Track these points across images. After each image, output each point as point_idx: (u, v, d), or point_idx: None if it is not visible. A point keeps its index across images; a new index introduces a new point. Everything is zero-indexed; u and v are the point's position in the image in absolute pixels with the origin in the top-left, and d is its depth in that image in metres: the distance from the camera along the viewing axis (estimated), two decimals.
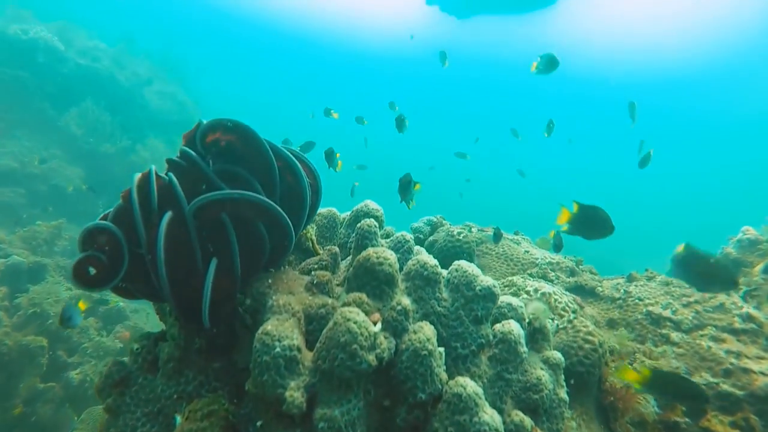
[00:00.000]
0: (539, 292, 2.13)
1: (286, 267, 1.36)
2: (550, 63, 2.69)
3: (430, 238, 2.66)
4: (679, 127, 23.51)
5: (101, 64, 9.60)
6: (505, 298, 1.32)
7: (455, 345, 1.13)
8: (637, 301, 2.25)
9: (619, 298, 2.32)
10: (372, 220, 1.32)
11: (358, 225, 1.33)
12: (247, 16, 23.96)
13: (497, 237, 2.57)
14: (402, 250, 1.33)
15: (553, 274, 2.54)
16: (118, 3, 17.64)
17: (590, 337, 1.66)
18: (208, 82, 15.08)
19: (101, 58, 9.70)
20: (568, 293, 2.25)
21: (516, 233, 2.98)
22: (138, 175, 1.09)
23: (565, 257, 2.81)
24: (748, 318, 2.08)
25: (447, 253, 2.51)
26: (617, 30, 19.34)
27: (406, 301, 1.09)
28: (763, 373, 1.82)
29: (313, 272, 1.17)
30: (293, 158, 1.15)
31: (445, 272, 1.27)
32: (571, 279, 2.52)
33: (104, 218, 1.16)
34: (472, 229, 2.85)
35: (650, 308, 2.18)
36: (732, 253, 3.16)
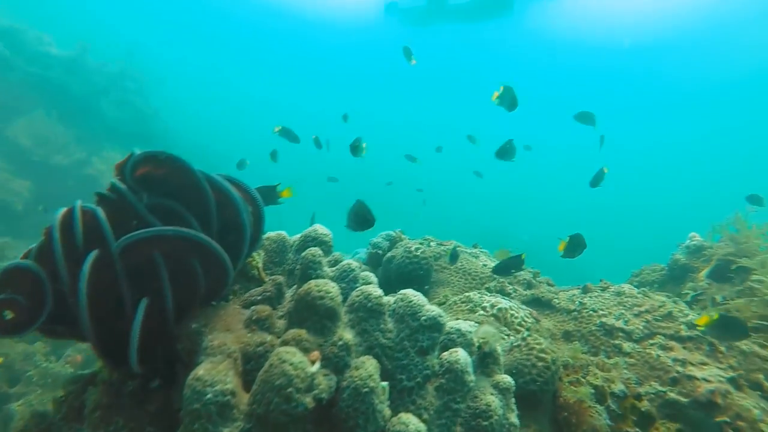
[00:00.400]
0: (496, 307, 2.14)
1: (229, 300, 1.32)
2: (511, 102, 2.74)
3: (389, 254, 2.65)
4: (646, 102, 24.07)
5: (53, 72, 9.21)
6: (454, 324, 1.31)
7: (401, 377, 1.11)
8: (591, 312, 2.29)
9: (575, 310, 2.36)
10: (316, 249, 1.29)
11: (303, 254, 1.30)
12: (212, 24, 23.57)
13: (454, 258, 2.57)
14: (347, 279, 1.30)
15: (510, 287, 2.57)
16: (72, 6, 17.02)
17: (543, 355, 1.67)
18: (171, 91, 14.69)
19: (53, 65, 9.31)
20: (524, 307, 2.28)
21: (475, 246, 3.00)
22: (62, 210, 1.03)
23: (524, 270, 2.85)
24: (693, 325, 2.15)
25: (405, 269, 2.50)
26: (574, 34, 20.17)
27: (349, 336, 1.07)
28: (705, 380, 1.88)
29: (252, 307, 1.13)
30: (231, 189, 1.11)
31: (392, 299, 1.26)
32: (528, 292, 2.55)
33: (26, 255, 1.09)
34: (431, 244, 2.86)
35: (603, 319, 2.23)
36: (681, 260, 3.28)
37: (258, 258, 1.57)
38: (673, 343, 2.10)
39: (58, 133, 8.57)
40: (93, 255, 0.95)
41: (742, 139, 22.63)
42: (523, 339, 1.74)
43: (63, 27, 12.89)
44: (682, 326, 2.15)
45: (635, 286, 3.63)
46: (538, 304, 2.50)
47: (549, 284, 2.77)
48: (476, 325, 1.95)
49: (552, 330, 2.30)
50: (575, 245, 2.34)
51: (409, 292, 1.21)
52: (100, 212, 1.00)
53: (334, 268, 1.35)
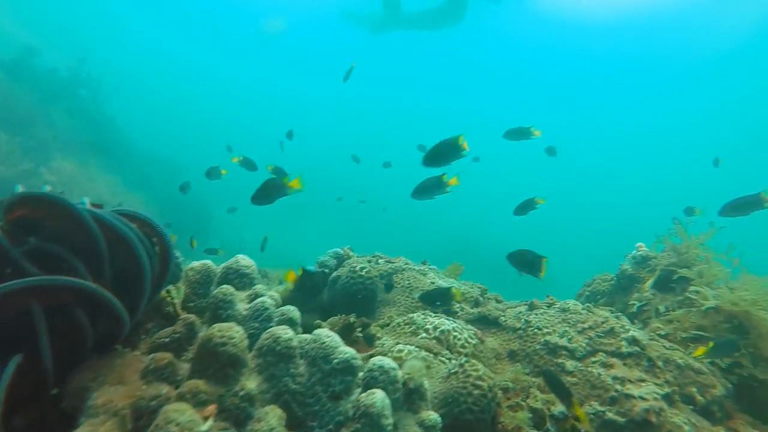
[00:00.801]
0: (438, 330, 2.11)
1: (141, 340, 1.23)
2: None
3: (334, 274, 2.59)
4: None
5: None
6: (377, 361, 1.26)
7: (312, 425, 1.05)
8: (536, 330, 2.29)
9: (520, 328, 2.35)
10: (227, 287, 1.22)
11: (214, 292, 1.22)
12: (170, 27, 23.06)
13: (388, 288, 2.52)
14: (260, 318, 1.23)
15: (457, 305, 2.54)
16: (20, 7, 16.29)
17: (480, 383, 1.64)
18: (126, 99, 14.21)
19: None
20: (469, 327, 2.26)
21: (423, 263, 2.97)
22: None
23: (472, 286, 2.84)
24: (633, 341, 2.18)
25: (349, 290, 2.45)
26: (522, 42, 21.22)
27: (252, 385, 1.00)
28: (642, 398, 1.90)
29: (151, 355, 1.05)
30: (124, 227, 1.03)
31: (309, 337, 1.19)
32: (475, 310, 2.53)
33: None
34: (379, 261, 2.81)
35: (548, 338, 2.22)
36: (627, 270, 3.35)
37: (176, 292, 1.48)
38: (614, 360, 2.12)
39: (0, 141, 8.13)
40: None
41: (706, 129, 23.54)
42: (461, 365, 1.70)
43: (8, 31, 12.32)
44: (623, 342, 2.17)
45: (587, 296, 3.71)
46: (485, 322, 2.48)
47: (497, 300, 2.77)
48: (416, 349, 1.91)
49: (497, 350, 2.28)
50: (523, 264, 2.30)
51: (323, 333, 1.15)
52: None
53: (248, 306, 1.28)
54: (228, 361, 1.00)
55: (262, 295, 1.37)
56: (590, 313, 2.37)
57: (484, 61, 21.95)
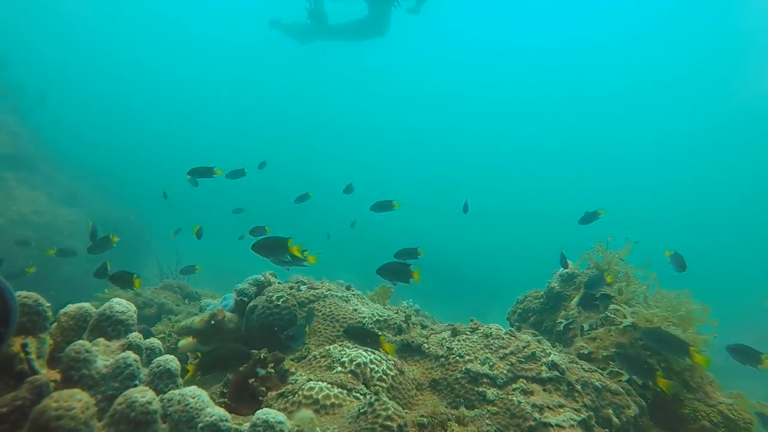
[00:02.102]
0: (354, 362, 2.01)
1: None
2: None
3: (251, 303, 2.44)
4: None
5: None
6: (261, 415, 1.13)
7: None
8: (457, 358, 2.23)
9: (442, 356, 2.29)
10: (81, 343, 1.06)
11: (66, 350, 1.06)
12: (103, 30, 21.97)
13: (309, 319, 2.38)
14: (121, 377, 1.08)
15: (380, 333, 2.45)
16: None
17: (389, 423, 1.55)
18: (53, 109, 13.33)
19: None
20: (388, 359, 2.17)
21: (348, 288, 2.87)
22: None
23: (397, 311, 2.76)
24: (553, 365, 2.16)
25: (266, 321, 2.30)
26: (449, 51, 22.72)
27: None
28: (559, 426, 1.87)
29: None
30: None
31: (175, 397, 1.05)
32: (398, 337, 2.45)
33: None
34: (302, 288, 2.68)
35: (469, 365, 2.17)
36: (555, 288, 3.38)
37: (36, 345, 1.30)
38: (534, 386, 2.09)
39: None
40: None
41: None
42: (370, 404, 1.61)
43: None
44: (543, 367, 2.15)
45: (519, 313, 3.72)
46: (408, 350, 2.40)
47: (423, 325, 2.70)
48: (327, 386, 1.80)
49: (419, 379, 2.21)
50: (392, 274, 2.37)
51: (188, 392, 1.02)
52: None
53: (110, 363, 1.12)
54: None
55: (137, 346, 1.21)
56: (512, 338, 2.34)
57: (406, 69, 23.28)
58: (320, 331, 2.40)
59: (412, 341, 2.40)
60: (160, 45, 23.85)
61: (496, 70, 25.23)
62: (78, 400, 0.90)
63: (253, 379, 1.88)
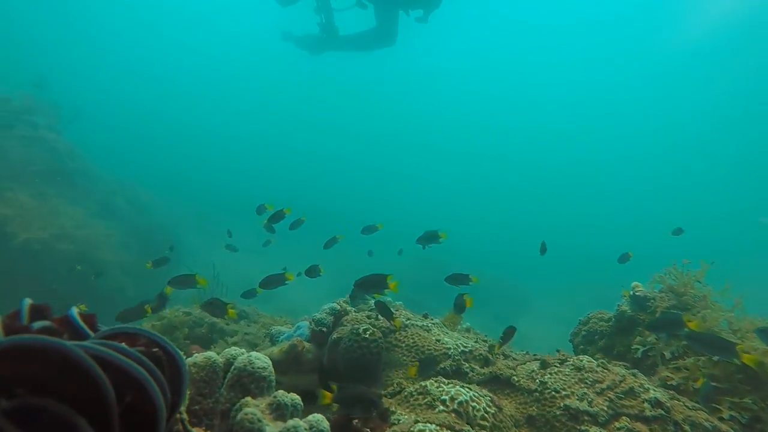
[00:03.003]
0: (456, 401, 1.95)
1: None
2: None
3: (334, 335, 2.40)
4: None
5: None
6: None
7: None
8: (553, 393, 2.16)
9: (536, 390, 2.22)
10: (252, 412, 1.03)
11: (238, 418, 1.03)
12: (135, 46, 22.52)
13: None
14: None
15: (467, 365, 2.40)
16: None
17: None
18: (88, 124, 13.64)
19: None
20: (485, 393, 2.11)
21: (425, 316, 2.82)
22: None
23: (477, 341, 2.70)
24: (657, 403, 2.08)
25: (353, 356, 2.26)
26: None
27: None
28: None
29: None
30: (133, 364, 0.83)
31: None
32: (486, 369, 2.39)
33: None
34: (380, 317, 2.64)
35: (567, 401, 2.10)
36: (627, 311, 3.29)
37: (182, 408, 1.27)
38: (639, 425, 2.01)
39: None
40: None
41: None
42: None
43: None
44: (646, 405, 2.07)
45: (584, 336, 3.63)
46: (497, 382, 2.34)
47: (504, 355, 2.64)
48: (436, 428, 1.75)
49: (515, 415, 2.14)
50: (369, 287, 2.50)
51: None
52: None
53: (279, 427, 1.09)
54: None
55: (284, 404, 1.18)
56: (606, 371, 2.26)
57: (415, 77, 23.57)
58: (407, 363, 2.36)
59: (501, 374, 2.34)
60: (182, 61, 24.35)
61: (506, 72, 25.26)
62: None
63: (356, 420, 1.84)
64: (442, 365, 2.36)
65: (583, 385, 2.19)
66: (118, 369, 0.80)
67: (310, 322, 2.65)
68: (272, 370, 1.28)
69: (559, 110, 25.70)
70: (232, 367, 1.29)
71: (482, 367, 2.41)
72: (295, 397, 1.29)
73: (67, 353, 0.75)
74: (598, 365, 2.30)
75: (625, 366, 2.46)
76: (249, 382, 1.24)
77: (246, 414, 1.02)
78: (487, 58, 24.53)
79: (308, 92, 24.71)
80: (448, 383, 2.09)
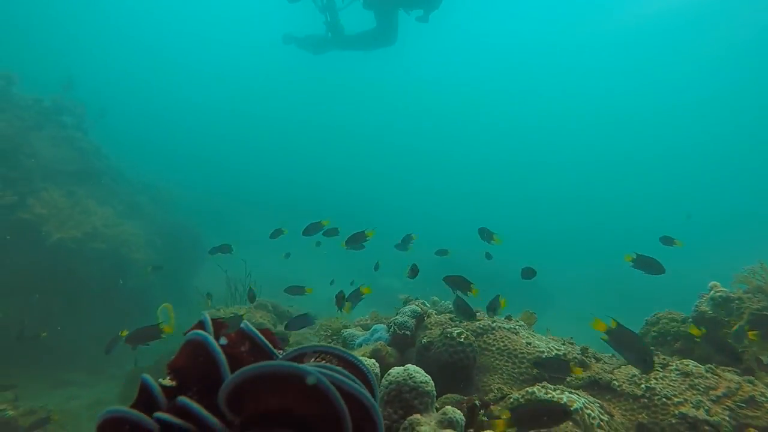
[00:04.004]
0: (572, 407, 1.84)
1: None
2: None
3: (424, 340, 2.29)
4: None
5: None
6: None
7: None
8: (664, 400, 2.03)
9: (642, 396, 2.09)
10: (417, 419, 0.92)
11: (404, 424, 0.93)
12: (156, 47, 22.62)
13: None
14: None
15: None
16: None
17: None
18: (114, 123, 13.70)
19: None
20: (593, 399, 1.99)
21: (509, 318, 2.71)
22: None
23: (564, 343, 2.58)
24: None
25: (448, 360, 2.15)
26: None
27: None
28: None
29: None
30: (363, 391, 0.74)
31: None
32: (585, 374, 2.27)
33: None
34: (462, 320, 2.52)
35: (682, 409, 1.97)
36: (707, 312, 3.14)
37: None
38: None
39: None
40: None
41: None
42: None
43: None
44: None
45: (654, 336, 3.48)
46: (597, 387, 2.22)
47: (596, 357, 2.52)
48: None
49: (624, 423, 2.02)
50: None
51: None
52: None
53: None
54: None
55: (456, 421, 1.08)
56: (717, 377, 2.13)
57: (417, 75, 23.48)
58: (500, 368, 2.25)
59: (600, 378, 2.22)
60: (201, 61, 24.43)
61: (509, 73, 25.01)
62: None
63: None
64: (537, 370, 2.24)
65: (695, 392, 2.06)
66: (350, 395, 0.70)
67: (390, 326, 2.55)
68: (433, 383, 1.18)
69: (575, 106, 25.33)
70: (386, 381, 1.19)
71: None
72: (457, 414, 1.19)
73: (316, 382, 0.66)
74: (706, 370, 2.17)
75: (736, 372, 2.32)
76: (412, 398, 1.14)
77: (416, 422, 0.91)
78: (488, 58, 24.31)
79: (325, 94, 24.68)
80: (555, 389, 1.98)
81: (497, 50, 23.79)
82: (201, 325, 0.79)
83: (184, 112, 24.77)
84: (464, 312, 2.40)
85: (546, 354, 2.30)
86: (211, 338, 0.72)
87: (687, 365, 2.20)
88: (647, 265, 2.76)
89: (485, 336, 2.41)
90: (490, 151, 27.23)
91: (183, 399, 0.67)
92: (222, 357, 0.71)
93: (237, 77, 25.11)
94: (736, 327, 3.01)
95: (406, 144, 27.49)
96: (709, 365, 2.25)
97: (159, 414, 0.68)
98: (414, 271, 2.80)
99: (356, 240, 3.19)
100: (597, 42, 21.53)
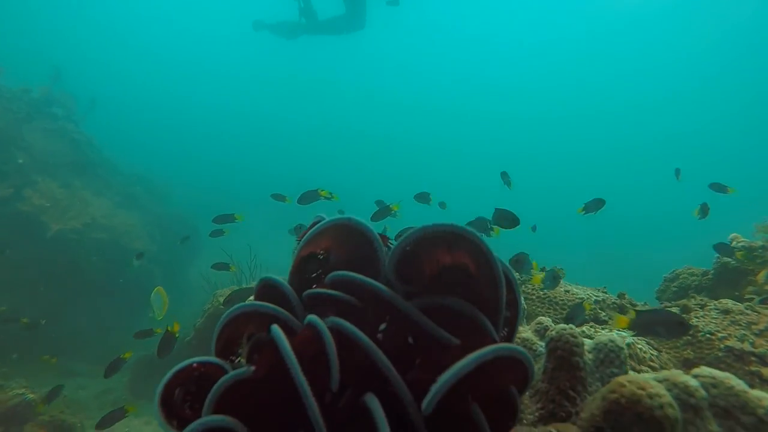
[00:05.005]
0: (624, 342, 1.86)
1: None
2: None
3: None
4: None
5: None
6: None
7: None
8: (708, 336, 2.07)
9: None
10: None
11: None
12: (147, 35, 22.15)
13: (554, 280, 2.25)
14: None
15: (603, 313, 2.31)
16: None
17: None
18: (104, 114, 13.45)
19: None
20: (640, 337, 2.02)
21: (543, 269, 2.72)
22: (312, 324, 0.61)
23: (601, 290, 2.61)
24: None
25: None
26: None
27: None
28: None
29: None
30: (510, 271, 0.74)
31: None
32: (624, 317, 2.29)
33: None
34: None
35: (727, 343, 2.01)
36: (731, 262, 3.19)
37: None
38: None
39: None
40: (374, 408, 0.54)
41: None
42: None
43: None
44: None
45: (675, 291, 3.53)
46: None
47: (632, 304, 2.55)
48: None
49: (672, 360, 2.05)
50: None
51: (719, 375, 0.88)
52: (357, 332, 0.59)
53: None
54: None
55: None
56: (758, 313, 2.17)
57: (383, 60, 23.25)
58: (543, 314, 2.27)
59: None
60: (192, 52, 24.00)
61: (484, 61, 24.91)
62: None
63: None
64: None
65: (737, 327, 2.10)
66: (510, 283, 0.70)
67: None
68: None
69: (566, 95, 25.27)
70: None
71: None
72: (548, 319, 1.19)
73: (486, 250, 0.66)
74: (746, 307, 2.20)
75: None
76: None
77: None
78: (467, 41, 24.10)
79: (317, 88, 24.39)
80: (603, 328, 2.00)
81: (484, 36, 23.55)
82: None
83: (172, 107, 24.38)
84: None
85: (585, 299, 2.32)
86: (359, 219, 0.71)
87: (726, 303, 2.24)
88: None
89: (523, 286, 2.43)
90: (479, 142, 27.15)
91: (344, 273, 0.66)
92: (377, 235, 0.71)
93: (224, 69, 24.72)
94: (762, 273, 3.07)
95: (401, 137, 27.27)
96: (748, 303, 2.29)
97: (318, 290, 0.67)
98: None
99: (382, 215, 3.16)
100: (588, 27, 21.42)
